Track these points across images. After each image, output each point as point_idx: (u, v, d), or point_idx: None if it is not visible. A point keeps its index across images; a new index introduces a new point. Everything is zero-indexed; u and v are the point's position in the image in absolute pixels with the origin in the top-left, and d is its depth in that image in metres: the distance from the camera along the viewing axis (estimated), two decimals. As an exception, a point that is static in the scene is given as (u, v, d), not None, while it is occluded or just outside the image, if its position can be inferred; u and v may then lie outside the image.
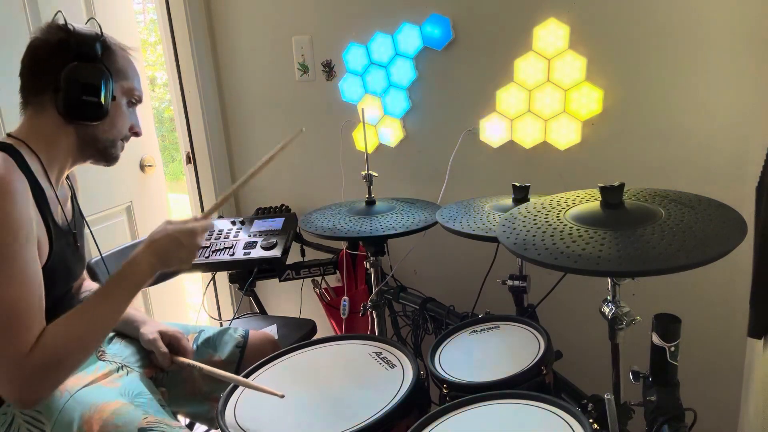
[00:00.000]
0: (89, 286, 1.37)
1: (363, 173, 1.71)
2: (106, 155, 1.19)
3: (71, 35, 1.08)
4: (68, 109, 1.08)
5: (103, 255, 1.42)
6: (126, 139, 1.21)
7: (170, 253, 1.10)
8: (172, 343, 1.30)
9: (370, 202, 1.74)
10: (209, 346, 1.43)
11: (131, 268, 1.07)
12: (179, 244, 1.09)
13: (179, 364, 1.28)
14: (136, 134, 1.23)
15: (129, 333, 1.34)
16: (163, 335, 1.30)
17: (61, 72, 1.07)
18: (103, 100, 1.10)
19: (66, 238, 1.15)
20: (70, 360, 1.00)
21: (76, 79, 1.07)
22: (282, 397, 1.04)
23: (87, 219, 1.29)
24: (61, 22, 1.09)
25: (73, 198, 1.27)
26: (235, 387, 1.16)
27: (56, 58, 1.08)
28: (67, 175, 1.22)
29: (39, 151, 1.09)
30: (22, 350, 0.94)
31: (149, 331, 1.30)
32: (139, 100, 1.22)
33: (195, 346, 1.40)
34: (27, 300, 0.96)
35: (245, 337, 1.48)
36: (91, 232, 1.31)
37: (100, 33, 1.12)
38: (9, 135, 1.10)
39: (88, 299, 1.05)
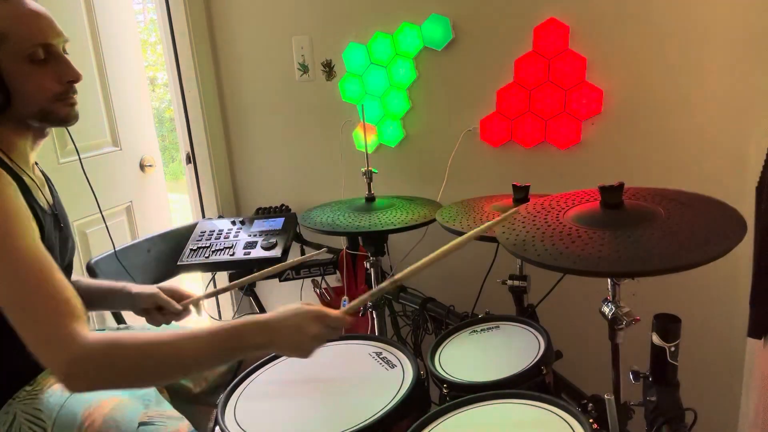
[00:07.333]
0: (85, 283, 1.34)
1: (363, 169, 1.71)
2: (51, 120, 1.02)
3: None
4: None
5: (116, 249, 1.38)
6: (64, 94, 1.00)
7: (286, 335, 0.96)
8: (174, 296, 1.27)
9: (370, 199, 1.73)
10: None
11: (238, 334, 0.94)
12: (299, 329, 0.95)
13: (194, 304, 1.25)
14: (71, 81, 1.01)
15: (118, 308, 1.31)
16: (165, 291, 1.27)
17: None
18: None
19: (51, 219, 1.12)
20: (122, 376, 0.90)
21: None
22: None
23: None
24: None
25: (49, 185, 1.20)
26: (235, 387, 1.16)
27: None
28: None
29: None
30: (79, 330, 0.85)
31: (149, 300, 1.26)
32: (45, 48, 0.96)
33: None
34: (63, 281, 0.89)
35: None
36: (73, 230, 1.28)
37: None
38: None
39: (175, 337, 0.93)
